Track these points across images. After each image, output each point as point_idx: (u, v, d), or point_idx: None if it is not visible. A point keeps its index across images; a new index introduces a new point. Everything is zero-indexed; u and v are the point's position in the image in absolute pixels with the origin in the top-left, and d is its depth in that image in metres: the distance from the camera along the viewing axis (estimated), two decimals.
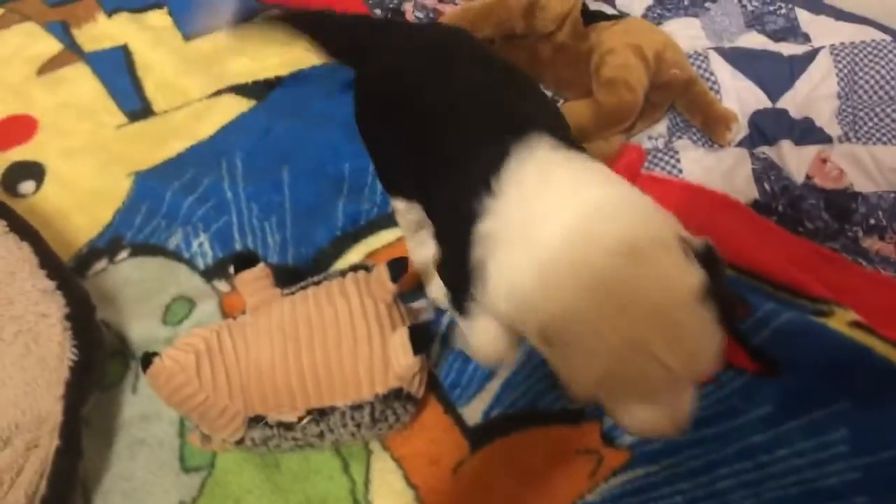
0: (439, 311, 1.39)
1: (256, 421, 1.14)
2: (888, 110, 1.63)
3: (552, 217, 0.89)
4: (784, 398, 1.25)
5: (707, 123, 1.62)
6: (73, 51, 1.96)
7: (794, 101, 1.68)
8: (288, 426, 1.14)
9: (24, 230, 1.39)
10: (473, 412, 1.28)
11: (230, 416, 1.12)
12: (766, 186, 1.53)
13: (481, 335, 1.14)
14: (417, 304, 1.37)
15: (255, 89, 1.84)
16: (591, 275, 0.83)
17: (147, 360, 1.12)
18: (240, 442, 1.17)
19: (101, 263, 1.54)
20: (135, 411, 1.33)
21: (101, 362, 1.31)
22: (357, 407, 1.14)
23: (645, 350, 0.81)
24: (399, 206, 1.34)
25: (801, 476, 1.18)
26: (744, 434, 1.22)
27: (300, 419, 1.14)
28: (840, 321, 1.30)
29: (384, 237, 1.52)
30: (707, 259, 0.87)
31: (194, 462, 1.27)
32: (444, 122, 1.09)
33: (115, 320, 1.44)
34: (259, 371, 1.12)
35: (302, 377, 1.12)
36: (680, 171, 1.58)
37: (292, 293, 1.25)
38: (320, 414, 1.14)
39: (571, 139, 1.08)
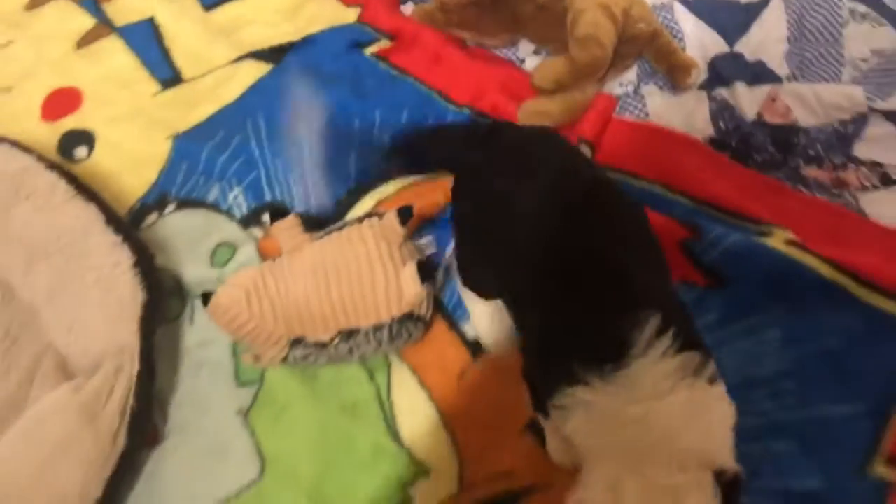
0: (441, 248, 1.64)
1: (297, 342, 1.42)
2: (831, 51, 1.83)
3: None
4: (728, 306, 1.48)
5: (670, 70, 1.84)
6: (105, 24, 2.17)
7: (748, 46, 1.88)
8: (322, 345, 1.42)
9: (87, 192, 1.65)
10: (472, 328, 1.54)
11: (275, 340, 1.40)
12: (721, 125, 1.76)
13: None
14: (423, 242, 1.61)
15: (271, 54, 2.05)
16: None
17: (206, 297, 1.40)
18: (284, 360, 1.45)
19: (152, 217, 1.80)
20: (194, 339, 1.61)
21: (164, 300, 1.59)
22: (378, 328, 1.41)
23: None
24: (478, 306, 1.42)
25: (741, 368, 1.42)
26: None
27: (332, 339, 1.41)
28: (778, 240, 1.52)
29: (391, 187, 1.74)
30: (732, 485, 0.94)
31: (247, 377, 1.55)
32: (553, 279, 1.10)
33: (170, 265, 1.70)
34: (297, 302, 1.39)
35: (332, 305, 1.39)
36: (647, 114, 1.80)
37: (320, 238, 1.51)
38: (348, 334, 1.41)
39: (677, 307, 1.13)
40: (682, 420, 0.95)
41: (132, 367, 1.43)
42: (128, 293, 1.48)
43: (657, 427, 0.94)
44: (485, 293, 1.37)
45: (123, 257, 1.52)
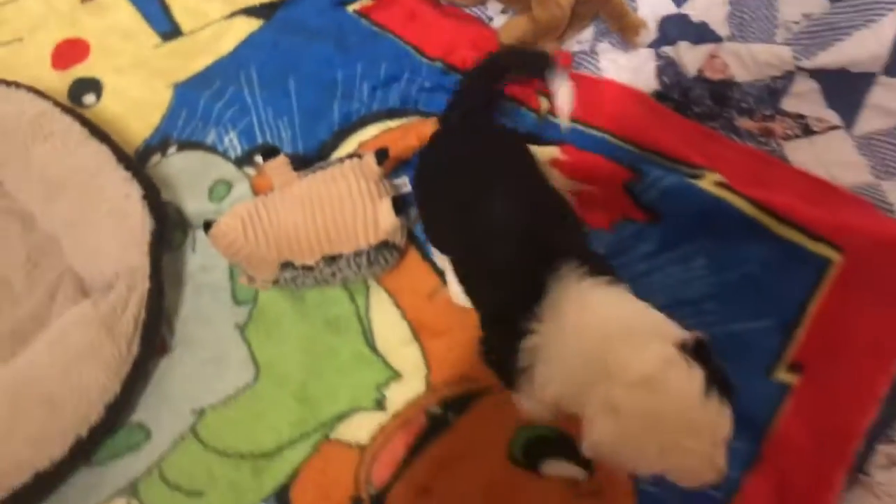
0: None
1: (286, 265, 1.63)
2: (767, 13, 2.01)
3: (584, 340, 1.11)
4: (663, 238, 1.69)
5: (622, 30, 2.02)
6: None
7: (694, 7, 2.06)
8: (309, 269, 1.63)
9: (99, 134, 1.83)
10: (442, 258, 1.73)
11: (268, 263, 1.60)
12: (665, 80, 1.95)
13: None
14: (398, 181, 1.81)
15: (262, 10, 2.23)
16: (639, 419, 1.04)
17: (207, 225, 1.60)
18: (275, 282, 1.66)
19: (156, 158, 2.00)
20: (196, 264, 1.82)
21: (169, 229, 1.79)
22: (358, 254, 1.62)
23: (678, 448, 1.04)
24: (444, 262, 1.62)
25: (671, 291, 1.64)
26: (632, 263, 1.68)
27: (317, 263, 1.62)
28: (709, 182, 1.72)
29: (370, 131, 1.94)
30: (699, 349, 1.08)
31: (243, 297, 1.77)
32: (489, 237, 1.30)
33: (174, 200, 1.91)
34: (286, 231, 1.59)
35: (317, 233, 1.59)
36: (599, 69, 2.00)
37: (306, 175, 1.70)
38: (331, 259, 1.62)
39: (591, 254, 1.34)
40: (621, 314, 1.14)
41: (143, 285, 1.64)
42: (138, 222, 1.68)
43: (606, 331, 1.10)
44: (445, 252, 1.55)
45: (133, 191, 1.71)
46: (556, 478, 1.49)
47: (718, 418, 1.07)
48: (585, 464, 1.49)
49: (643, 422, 1.03)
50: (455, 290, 1.58)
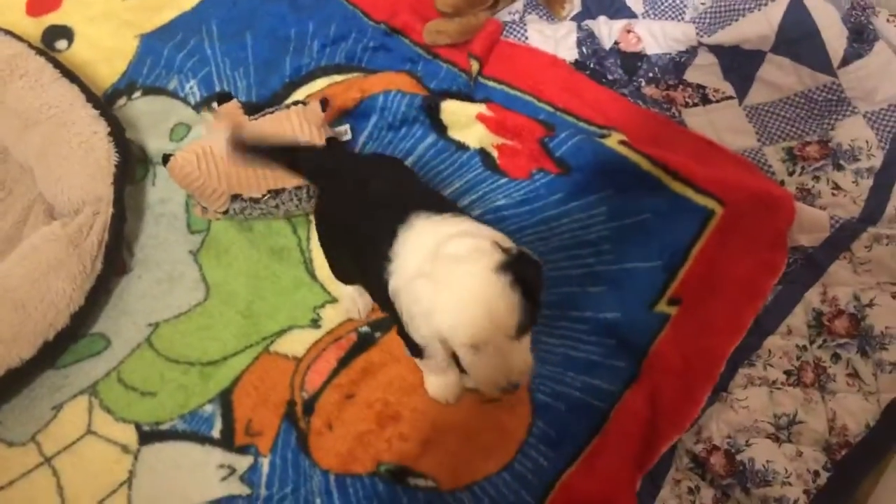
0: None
1: (235, 197, 1.79)
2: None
3: (421, 253, 1.24)
4: (571, 188, 1.88)
5: (549, 3, 2.20)
6: None
7: None
8: (255, 200, 1.79)
9: (70, 75, 1.97)
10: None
11: (219, 194, 1.76)
12: (584, 50, 2.13)
13: (433, 383, 1.63)
14: (339, 128, 1.98)
15: None
16: (446, 284, 1.18)
17: (166, 158, 1.76)
18: (225, 212, 1.82)
19: (122, 101, 2.14)
20: (155, 197, 1.99)
21: (132, 164, 1.94)
22: (299, 188, 1.79)
23: (480, 324, 1.15)
24: (346, 290, 1.74)
25: (574, 233, 1.82)
26: (545, 210, 1.87)
27: (263, 196, 1.79)
28: (613, 140, 1.91)
29: (319, 84, 2.10)
30: (520, 259, 1.21)
31: (197, 227, 1.93)
32: (364, 223, 1.42)
33: (137, 139, 2.06)
34: (236, 165, 1.75)
35: (263, 169, 1.75)
36: (526, 38, 2.17)
37: (255, 118, 1.86)
38: (276, 193, 1.79)
39: (442, 202, 1.47)
40: (452, 229, 1.27)
41: (107, 211, 1.79)
42: (104, 155, 1.83)
43: (436, 239, 1.24)
44: (346, 281, 1.69)
45: (100, 127, 1.86)
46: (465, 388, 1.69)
47: (508, 309, 1.16)
48: None
49: (458, 293, 1.17)
50: (348, 303, 1.74)
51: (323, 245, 1.64)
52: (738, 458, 1.58)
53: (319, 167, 1.62)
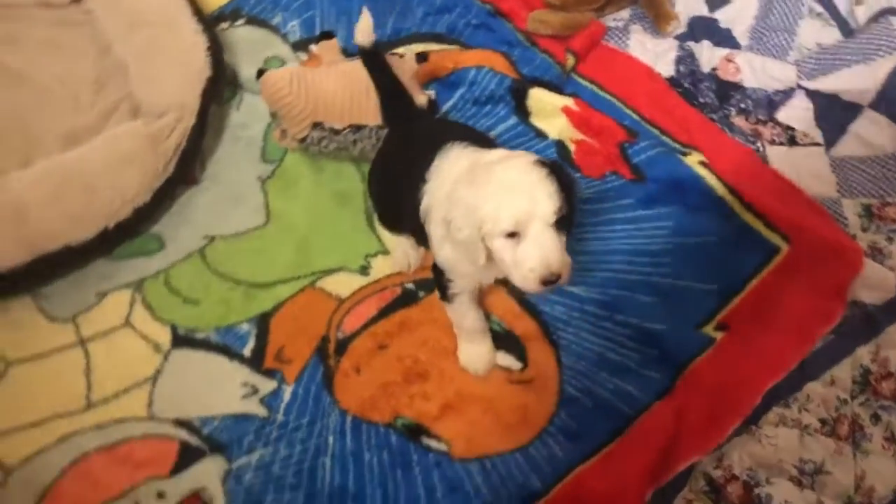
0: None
1: (317, 125, 1.80)
2: (786, 36, 2.17)
3: (456, 172, 1.36)
4: (642, 196, 1.86)
5: (656, 17, 2.18)
6: None
7: (724, 15, 2.22)
8: (336, 132, 1.81)
9: None
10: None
11: (303, 117, 1.79)
12: (681, 68, 2.12)
13: (458, 311, 1.61)
14: (427, 91, 1.98)
15: None
16: (486, 181, 1.28)
17: (261, 72, 1.79)
18: (303, 140, 1.83)
19: (225, 24, 2.19)
20: (237, 120, 2.02)
21: (223, 83, 1.98)
22: (380, 127, 1.80)
23: (521, 208, 1.25)
24: (399, 243, 1.76)
25: (636, 241, 1.80)
26: (610, 212, 1.85)
27: (344, 128, 1.80)
28: (694, 160, 1.90)
29: (415, 49, 2.10)
30: (557, 165, 1.31)
31: (271, 156, 1.96)
32: (408, 154, 1.55)
33: (232, 62, 2.09)
34: (325, 93, 1.77)
35: (350, 102, 1.78)
36: (627, 46, 2.16)
37: (351, 60, 1.88)
38: (357, 128, 1.81)
39: (484, 140, 1.57)
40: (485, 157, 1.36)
41: (190, 120, 1.82)
42: (199, 67, 1.86)
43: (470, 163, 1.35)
44: (390, 227, 1.75)
45: (201, 41, 1.89)
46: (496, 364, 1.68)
47: (550, 197, 1.25)
48: (522, 359, 1.68)
49: (493, 185, 1.27)
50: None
51: (370, 185, 1.73)
52: (756, 491, 1.53)
53: (400, 112, 1.70)
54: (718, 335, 1.70)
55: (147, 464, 1.56)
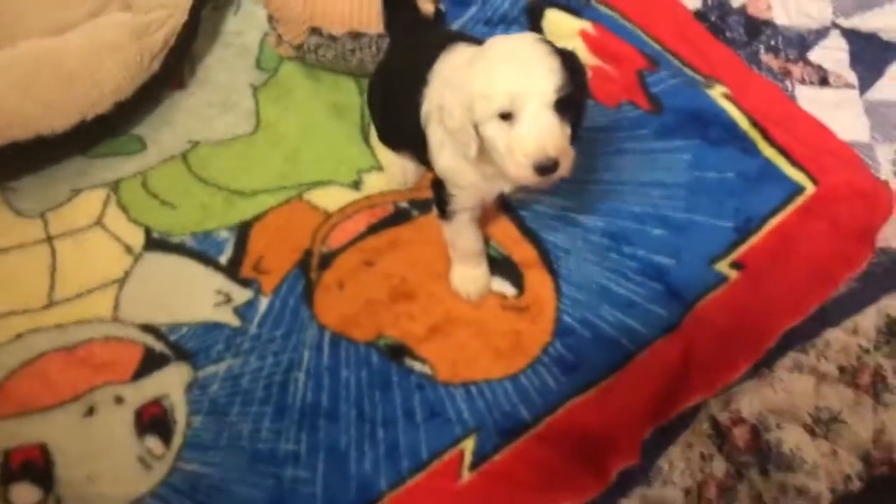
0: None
1: (315, 31, 1.68)
2: None
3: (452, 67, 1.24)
4: (658, 128, 1.72)
5: None
6: None
7: None
8: (334, 38, 1.67)
9: None
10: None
11: (300, 21, 1.66)
12: (709, 1, 1.98)
13: (455, 229, 1.46)
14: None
15: None
16: (482, 55, 1.17)
17: None
18: (299, 47, 1.71)
19: None
20: (233, 27, 1.91)
21: None
22: (381, 36, 1.66)
23: (516, 82, 1.11)
24: (389, 156, 1.62)
25: (649, 172, 1.66)
26: (623, 141, 1.71)
27: (342, 36, 1.67)
28: (717, 92, 1.75)
29: None
30: (564, 50, 1.17)
31: (266, 65, 1.84)
32: (409, 61, 1.40)
33: None
34: (324, 1, 1.65)
35: (351, 7, 1.64)
36: None
37: None
38: (356, 35, 1.67)
39: None
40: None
41: (180, 17, 1.70)
42: None
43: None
44: (389, 142, 1.60)
45: None
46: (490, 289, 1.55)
47: (550, 73, 1.11)
48: (518, 286, 1.55)
49: (488, 57, 1.16)
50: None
51: (370, 97, 1.59)
52: (765, 437, 1.39)
53: (402, 19, 1.57)
54: (733, 273, 1.55)
55: (107, 367, 1.44)
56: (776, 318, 1.51)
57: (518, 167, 1.14)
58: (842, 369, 1.47)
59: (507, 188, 1.35)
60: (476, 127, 1.17)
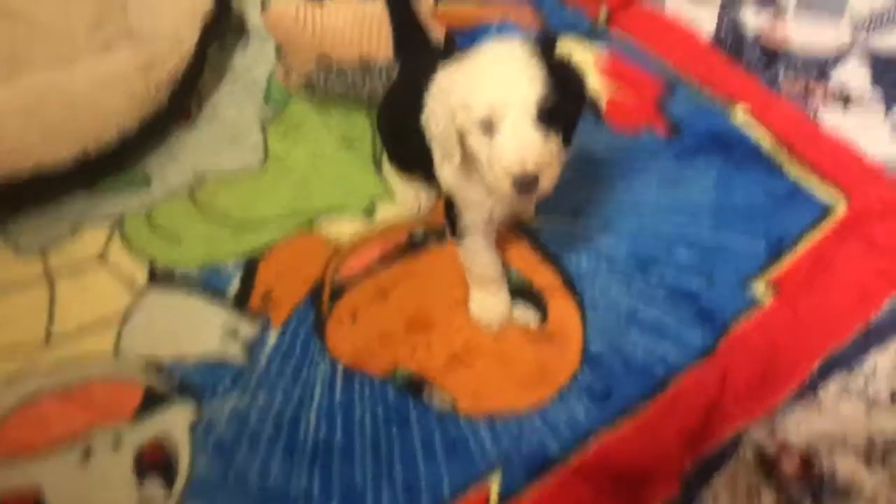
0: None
1: (322, 62, 1.63)
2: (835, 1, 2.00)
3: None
4: (679, 151, 1.67)
5: None
6: None
7: None
8: (343, 70, 1.63)
9: None
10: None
11: (308, 53, 1.62)
12: (723, 30, 1.92)
13: (471, 251, 1.38)
14: None
15: None
16: (468, 61, 1.11)
17: (265, 3, 1.64)
18: (308, 80, 1.67)
19: None
20: (241, 63, 1.87)
21: (225, 19, 1.82)
22: (391, 65, 1.62)
23: (497, 92, 1.05)
24: (401, 182, 1.57)
25: (671, 193, 1.60)
26: (643, 166, 1.66)
27: (352, 65, 1.63)
28: (738, 113, 1.71)
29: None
30: (562, 62, 1.14)
31: (275, 98, 1.79)
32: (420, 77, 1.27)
33: (241, 9, 1.96)
34: (333, 26, 1.60)
35: (360, 35, 1.60)
36: (664, 6, 1.99)
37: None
38: (366, 65, 1.63)
39: None
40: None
41: (187, 51, 1.66)
42: (199, 2, 1.72)
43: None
44: (402, 165, 1.54)
45: None
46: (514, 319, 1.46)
47: (532, 83, 1.05)
48: (541, 312, 1.46)
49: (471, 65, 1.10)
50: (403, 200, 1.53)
51: (380, 120, 1.56)
52: (817, 465, 1.27)
53: (413, 45, 1.54)
54: (768, 295, 1.46)
55: (106, 408, 1.34)
56: (816, 341, 1.41)
57: (497, 181, 1.08)
58: (893, 394, 1.36)
59: (517, 205, 1.29)
60: (463, 137, 1.11)
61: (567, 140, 1.13)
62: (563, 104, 1.08)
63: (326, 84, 1.66)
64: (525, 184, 1.05)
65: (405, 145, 1.42)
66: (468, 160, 1.16)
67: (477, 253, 1.38)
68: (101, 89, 1.53)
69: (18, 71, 1.62)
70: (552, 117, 1.07)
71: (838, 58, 1.87)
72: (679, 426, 1.31)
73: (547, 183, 1.07)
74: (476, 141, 1.09)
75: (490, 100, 1.05)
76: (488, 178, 1.09)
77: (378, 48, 1.62)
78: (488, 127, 1.06)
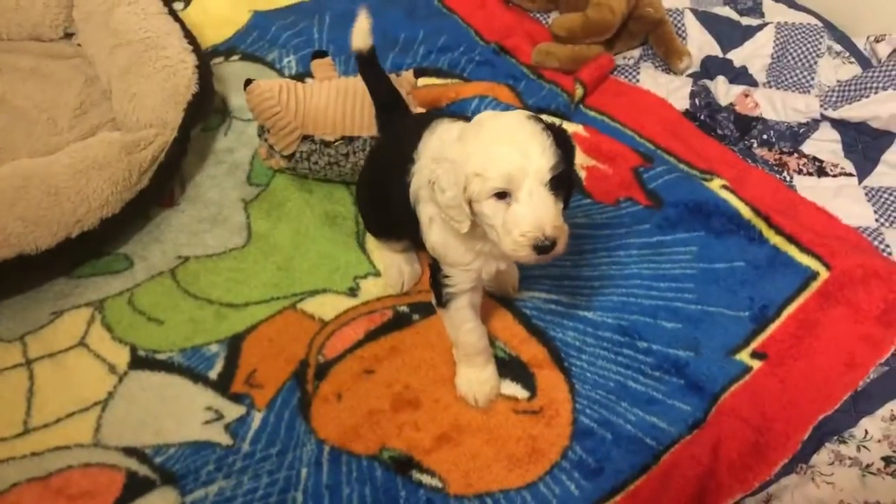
0: None
1: (307, 138, 1.66)
2: (805, 74, 2.05)
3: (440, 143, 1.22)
4: (660, 222, 1.68)
5: (667, 54, 2.07)
6: None
7: (738, 55, 2.10)
8: (327, 144, 1.65)
9: (174, 16, 1.94)
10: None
11: (291, 129, 1.64)
12: (697, 101, 1.98)
13: (455, 319, 1.37)
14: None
15: None
16: (476, 135, 1.13)
17: (249, 81, 1.66)
18: (291, 156, 1.69)
19: (219, 60, 2.11)
20: (224, 145, 1.89)
21: (208, 103, 1.85)
22: (374, 138, 1.64)
23: (512, 162, 1.08)
24: (386, 258, 1.61)
25: (655, 265, 1.61)
26: (626, 237, 1.67)
27: (336, 140, 1.65)
28: (716, 184, 1.73)
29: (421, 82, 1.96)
30: (552, 125, 1.16)
31: (258, 180, 1.80)
32: (395, 145, 1.38)
33: (223, 92, 1.99)
34: (316, 107, 1.63)
35: (343, 114, 1.63)
36: (637, 82, 2.05)
37: (345, 77, 1.77)
38: (349, 140, 1.65)
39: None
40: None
41: (170, 134, 1.68)
42: (184, 83, 1.73)
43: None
44: (379, 233, 1.57)
45: (190, 60, 1.77)
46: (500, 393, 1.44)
47: (544, 152, 1.09)
48: (530, 388, 1.45)
49: (483, 138, 1.12)
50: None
51: (358, 189, 1.60)
52: None
53: (392, 121, 1.54)
54: (756, 363, 1.47)
55: (85, 497, 1.30)
56: (807, 408, 1.41)
57: (515, 246, 1.11)
58: (887, 460, 1.35)
59: (502, 265, 1.30)
60: (470, 204, 1.14)
61: (566, 204, 1.17)
62: (567, 170, 1.14)
63: (310, 160, 1.68)
64: (545, 247, 1.10)
65: (383, 208, 1.45)
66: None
67: (463, 322, 1.37)
68: (84, 175, 1.54)
69: (1, 158, 1.62)
70: (559, 183, 1.12)
71: (810, 128, 1.92)
72: (673, 499, 1.29)
73: (562, 244, 1.12)
74: (490, 208, 1.12)
75: (508, 169, 1.09)
76: (505, 242, 1.12)
77: (360, 126, 1.64)
78: (502, 194, 1.11)
